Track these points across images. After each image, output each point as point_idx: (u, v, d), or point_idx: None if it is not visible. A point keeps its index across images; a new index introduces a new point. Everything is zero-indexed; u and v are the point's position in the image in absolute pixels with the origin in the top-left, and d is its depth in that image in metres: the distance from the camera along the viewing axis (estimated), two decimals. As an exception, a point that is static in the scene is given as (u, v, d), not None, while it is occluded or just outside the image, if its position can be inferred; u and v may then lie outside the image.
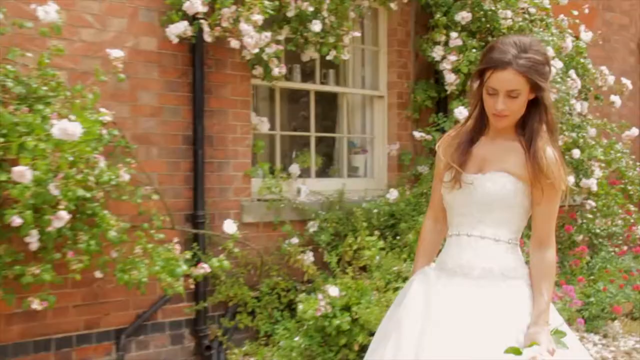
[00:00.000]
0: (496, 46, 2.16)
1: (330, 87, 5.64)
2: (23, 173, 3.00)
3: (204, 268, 3.85)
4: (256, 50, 4.23)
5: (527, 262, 2.34)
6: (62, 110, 3.49)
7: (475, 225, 2.27)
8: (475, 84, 2.25)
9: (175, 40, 4.14)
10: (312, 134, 5.44)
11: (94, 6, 4.08)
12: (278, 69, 4.45)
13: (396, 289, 4.45)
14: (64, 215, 3.26)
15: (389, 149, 5.63)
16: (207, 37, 4.20)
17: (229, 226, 4.00)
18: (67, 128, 3.03)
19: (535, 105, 2.21)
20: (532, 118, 2.22)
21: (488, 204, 2.24)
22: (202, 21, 4.16)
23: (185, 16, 4.15)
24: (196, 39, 4.30)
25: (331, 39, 4.72)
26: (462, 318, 2.17)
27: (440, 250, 2.48)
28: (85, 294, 4.06)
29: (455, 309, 2.19)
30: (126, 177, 3.62)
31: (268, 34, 4.28)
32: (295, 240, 4.78)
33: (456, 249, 2.31)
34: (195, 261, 4.12)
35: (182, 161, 4.48)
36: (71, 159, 3.23)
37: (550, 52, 5.10)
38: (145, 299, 4.31)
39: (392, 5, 5.31)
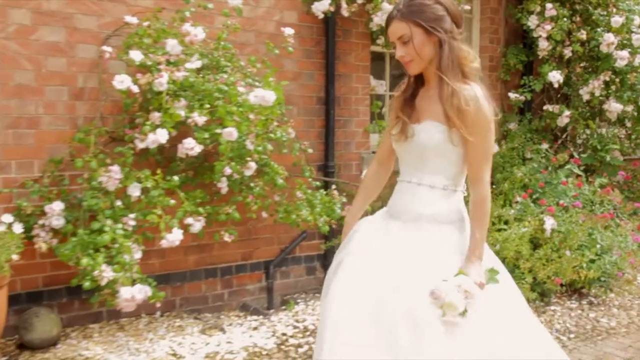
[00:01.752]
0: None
1: (431, 52, 6.26)
2: (231, 133, 3.74)
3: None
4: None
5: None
6: (235, 78, 4.20)
7: (415, 172, 2.34)
8: None
9: (321, 16, 4.80)
10: (415, 94, 6.09)
11: (252, -15, 4.76)
12: (399, 39, 5.09)
13: (499, 230, 5.18)
14: (253, 166, 4.02)
15: (483, 107, 6.26)
16: (345, 12, 4.85)
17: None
18: (264, 95, 3.75)
19: (443, 48, 2.23)
20: (439, 61, 2.23)
21: (422, 152, 2.29)
22: (341, -3, 4.81)
23: (327, -7, 4.81)
24: (331, 13, 4.95)
25: (442, 11, 5.32)
26: (384, 255, 2.28)
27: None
28: (241, 231, 4.83)
29: (379, 247, 2.32)
30: (293, 133, 4.35)
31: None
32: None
33: (399, 195, 2.40)
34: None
35: (316, 119, 5.20)
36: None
37: (637, 21, 5.64)
38: (287, 237, 5.11)
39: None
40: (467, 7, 5.55)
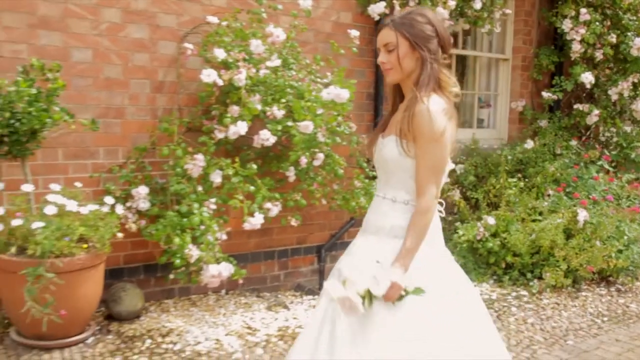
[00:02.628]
0: None
1: (469, 52, 6.62)
2: (308, 126, 4.08)
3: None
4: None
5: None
6: (302, 75, 4.54)
7: (382, 186, 2.35)
8: None
9: (376, 17, 5.13)
10: (453, 91, 6.45)
11: (312, -12, 5.08)
12: (446, 40, 5.44)
13: (534, 220, 5.55)
14: (321, 157, 4.36)
15: (516, 104, 6.63)
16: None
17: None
18: (339, 93, 4.08)
19: (424, 66, 2.25)
20: (418, 77, 2.25)
21: (385, 165, 2.31)
22: (394, 1, 5.13)
23: (381, -4, 5.14)
24: (384, 15, 5.28)
25: (484, 14, 5.67)
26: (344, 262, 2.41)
27: None
28: (298, 217, 5.20)
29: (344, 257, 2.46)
30: (354, 127, 4.69)
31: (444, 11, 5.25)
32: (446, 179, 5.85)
33: (370, 208, 2.43)
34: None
35: (365, 113, 5.55)
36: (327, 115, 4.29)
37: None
38: (337, 223, 5.47)
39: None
40: (508, 11, 5.88)
